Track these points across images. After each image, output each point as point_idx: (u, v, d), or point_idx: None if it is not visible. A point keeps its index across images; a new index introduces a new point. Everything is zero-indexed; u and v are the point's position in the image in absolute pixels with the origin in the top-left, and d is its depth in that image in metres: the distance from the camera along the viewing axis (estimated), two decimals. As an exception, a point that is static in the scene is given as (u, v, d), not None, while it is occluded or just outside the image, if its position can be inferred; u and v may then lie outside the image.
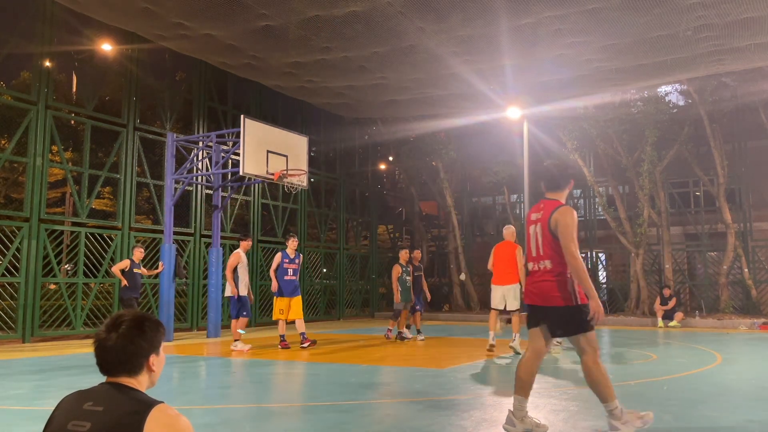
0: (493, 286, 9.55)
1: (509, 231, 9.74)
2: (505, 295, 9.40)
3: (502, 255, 9.53)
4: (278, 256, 10.28)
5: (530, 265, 4.36)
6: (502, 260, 9.51)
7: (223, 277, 11.94)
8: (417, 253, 12.29)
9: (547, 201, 4.33)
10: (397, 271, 11.57)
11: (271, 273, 10.24)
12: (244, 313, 10.23)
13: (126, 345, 1.86)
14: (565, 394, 5.88)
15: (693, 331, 14.46)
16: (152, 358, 1.93)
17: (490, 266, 9.72)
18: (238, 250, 10.50)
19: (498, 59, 13.37)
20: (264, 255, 16.81)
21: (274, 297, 10.21)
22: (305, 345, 10.13)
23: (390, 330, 11.95)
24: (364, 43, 12.52)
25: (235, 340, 10.04)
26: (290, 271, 10.26)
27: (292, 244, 10.37)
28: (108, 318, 1.93)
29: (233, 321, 10.25)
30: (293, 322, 10.40)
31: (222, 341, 11.96)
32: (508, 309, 9.44)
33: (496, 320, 9.62)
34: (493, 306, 9.52)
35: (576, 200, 21.61)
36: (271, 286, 10.27)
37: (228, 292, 10.29)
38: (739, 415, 4.73)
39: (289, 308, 10.21)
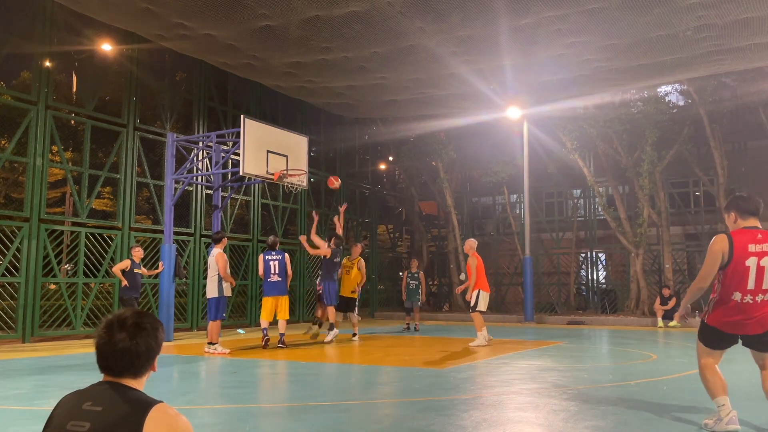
0: (485, 293, 10.74)
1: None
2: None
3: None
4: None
5: (743, 297, 4.39)
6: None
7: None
8: (414, 262, 15.20)
9: (765, 231, 4.35)
10: (405, 276, 14.88)
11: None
12: (223, 315, 10.03)
13: (138, 347, 1.85)
14: (565, 394, 5.88)
15: (693, 331, 14.40)
16: (156, 358, 1.95)
17: (482, 272, 10.77)
18: (220, 250, 9.94)
19: (498, 59, 13.38)
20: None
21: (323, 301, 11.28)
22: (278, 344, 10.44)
23: (408, 324, 14.80)
24: (364, 43, 12.53)
25: (211, 343, 9.82)
26: None
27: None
28: (107, 318, 1.90)
29: (212, 323, 9.87)
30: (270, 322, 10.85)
31: (222, 341, 11.91)
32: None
33: None
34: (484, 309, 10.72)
35: (576, 200, 21.62)
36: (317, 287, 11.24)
37: (223, 292, 9.89)
38: (739, 415, 4.72)
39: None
